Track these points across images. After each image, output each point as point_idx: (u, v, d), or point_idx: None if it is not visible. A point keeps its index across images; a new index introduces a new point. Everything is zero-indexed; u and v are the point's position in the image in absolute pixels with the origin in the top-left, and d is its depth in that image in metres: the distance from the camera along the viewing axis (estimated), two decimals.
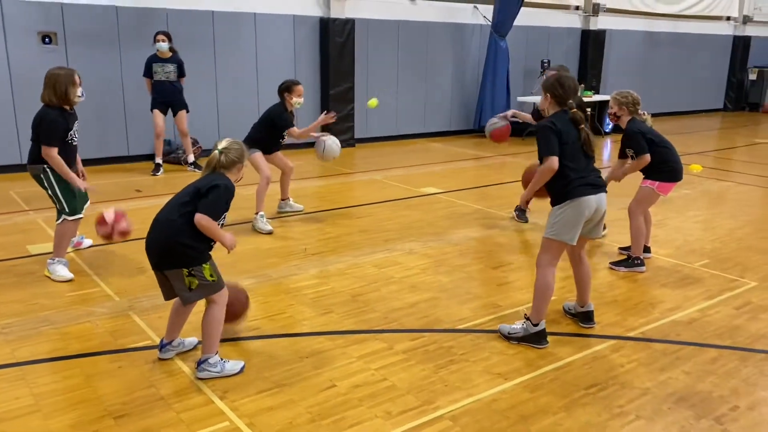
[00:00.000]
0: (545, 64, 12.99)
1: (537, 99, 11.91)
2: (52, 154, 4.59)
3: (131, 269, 5.07)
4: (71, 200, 4.77)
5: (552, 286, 3.80)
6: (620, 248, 5.60)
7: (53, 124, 4.59)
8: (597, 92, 13.99)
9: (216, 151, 3.41)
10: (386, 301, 4.54)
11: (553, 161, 3.68)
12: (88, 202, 5.07)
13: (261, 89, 10.16)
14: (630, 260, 5.22)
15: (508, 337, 3.92)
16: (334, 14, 10.67)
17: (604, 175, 4.08)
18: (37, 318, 4.17)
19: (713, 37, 17.35)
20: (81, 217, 4.91)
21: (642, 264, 5.20)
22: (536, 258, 3.89)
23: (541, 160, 3.75)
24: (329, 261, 5.37)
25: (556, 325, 4.17)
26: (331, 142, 6.43)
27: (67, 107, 4.71)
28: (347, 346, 3.86)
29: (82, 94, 4.77)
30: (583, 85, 13.74)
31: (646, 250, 5.47)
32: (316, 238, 6.02)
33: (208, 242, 3.38)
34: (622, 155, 5.25)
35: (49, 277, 4.80)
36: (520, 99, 12.97)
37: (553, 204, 3.80)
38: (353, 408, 3.20)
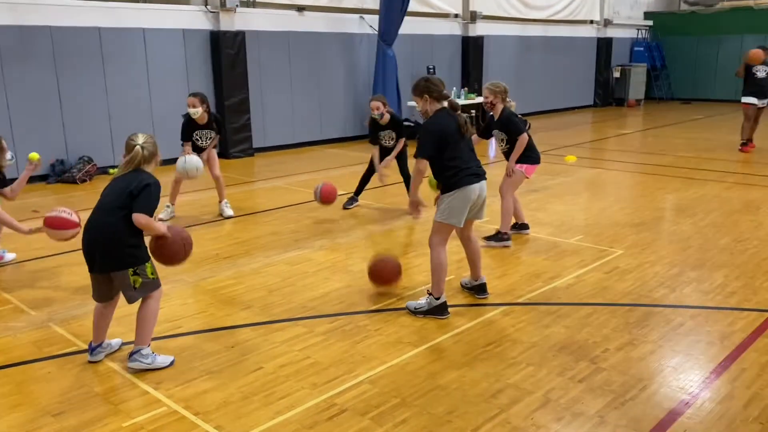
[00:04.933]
0: (431, 70, 13.74)
1: None
2: None
3: (42, 283, 5.10)
4: None
5: (445, 262, 4.30)
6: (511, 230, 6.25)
7: None
8: (479, 94, 14.92)
9: (138, 147, 3.60)
10: (302, 293, 4.88)
11: (423, 164, 4.20)
12: None
13: (154, 104, 10.17)
14: (499, 235, 5.87)
15: (414, 312, 4.38)
16: (224, 27, 10.85)
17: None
18: None
19: (580, 40, 18.91)
20: None
21: (509, 239, 5.88)
22: (428, 240, 4.37)
23: (416, 156, 4.22)
24: (242, 263, 5.62)
25: (455, 298, 4.67)
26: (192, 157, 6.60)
27: None
28: (270, 333, 4.17)
29: (12, 158, 4.85)
30: (466, 89, 14.65)
31: (524, 226, 6.19)
32: (226, 243, 6.25)
33: (143, 240, 3.58)
34: (487, 137, 5.92)
35: None
36: (410, 104, 13.61)
37: (442, 192, 4.29)
38: (281, 383, 3.53)
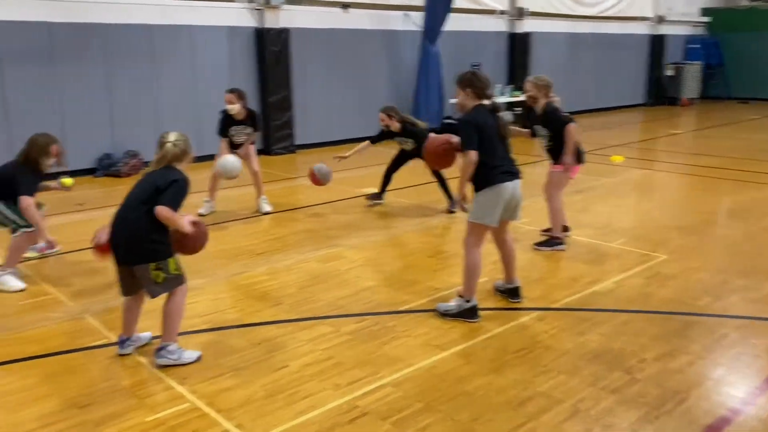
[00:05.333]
0: (475, 67, 13.54)
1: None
2: (29, 205, 4.81)
3: (82, 275, 5.21)
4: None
5: (479, 264, 4.19)
6: (542, 230, 6.07)
7: (26, 181, 4.82)
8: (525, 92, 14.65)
9: (169, 144, 3.63)
10: (332, 291, 4.84)
11: (473, 155, 4.07)
12: (43, 208, 5.23)
13: (200, 100, 10.30)
14: (551, 240, 5.69)
15: (444, 314, 4.29)
16: (268, 24, 10.92)
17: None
18: None
19: (631, 37, 18.38)
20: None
21: (562, 243, 5.68)
22: (462, 240, 4.27)
23: (463, 150, 4.12)
24: (276, 259, 5.62)
25: (488, 301, 4.55)
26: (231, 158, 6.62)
27: (40, 170, 4.93)
28: (297, 332, 4.14)
29: (53, 165, 4.99)
30: (511, 86, 14.41)
31: (564, 229, 5.95)
32: (262, 239, 6.27)
33: (167, 235, 3.60)
34: (533, 134, 5.71)
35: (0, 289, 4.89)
36: (453, 101, 13.47)
37: (476, 190, 4.18)
38: (305, 383, 3.49)
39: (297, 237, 6.32)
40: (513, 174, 4.19)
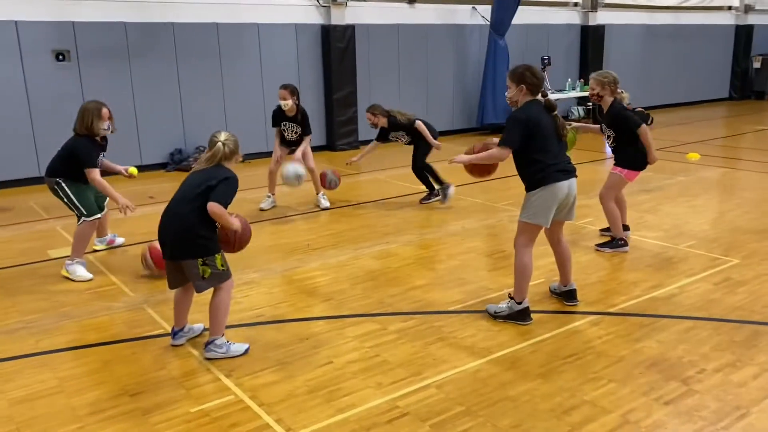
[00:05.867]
0: (545, 61, 13.22)
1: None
2: (96, 176, 5.01)
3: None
4: (87, 204, 5.13)
5: (530, 265, 4.07)
6: (601, 230, 5.84)
7: (86, 149, 5.01)
8: None
9: (219, 143, 3.71)
10: (383, 289, 4.82)
11: (506, 153, 3.96)
12: (105, 205, 5.44)
13: (267, 97, 10.49)
14: (614, 241, 5.46)
15: (494, 316, 4.19)
16: (334, 21, 11.01)
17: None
18: (57, 314, 4.50)
19: (715, 27, 17.46)
20: (99, 218, 5.26)
21: (625, 244, 5.44)
22: (513, 240, 4.16)
23: (500, 145, 4.00)
24: (331, 255, 5.66)
25: (542, 304, 4.42)
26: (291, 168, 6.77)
27: (96, 137, 5.08)
28: (344, 328, 4.15)
29: (108, 128, 5.13)
30: (582, 81, 13.97)
31: (624, 228, 5.65)
32: (319, 234, 6.33)
33: (215, 232, 3.68)
34: (597, 131, 5.51)
35: (68, 278, 5.14)
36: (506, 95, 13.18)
37: (527, 189, 4.05)
38: (347, 380, 3.49)
39: (354, 233, 6.34)
40: (569, 172, 4.03)
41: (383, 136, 7.48)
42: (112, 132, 5.22)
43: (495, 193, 7.76)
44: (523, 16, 12.92)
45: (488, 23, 12.61)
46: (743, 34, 17.97)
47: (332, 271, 5.23)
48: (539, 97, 4.02)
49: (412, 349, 3.83)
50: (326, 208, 7.24)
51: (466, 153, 4.31)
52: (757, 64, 18.27)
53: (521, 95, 4.02)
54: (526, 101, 4.01)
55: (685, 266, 5.12)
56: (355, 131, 11.54)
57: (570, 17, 14.60)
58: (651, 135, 5.29)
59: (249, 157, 9.82)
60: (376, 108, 7.28)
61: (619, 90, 5.33)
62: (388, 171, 9.49)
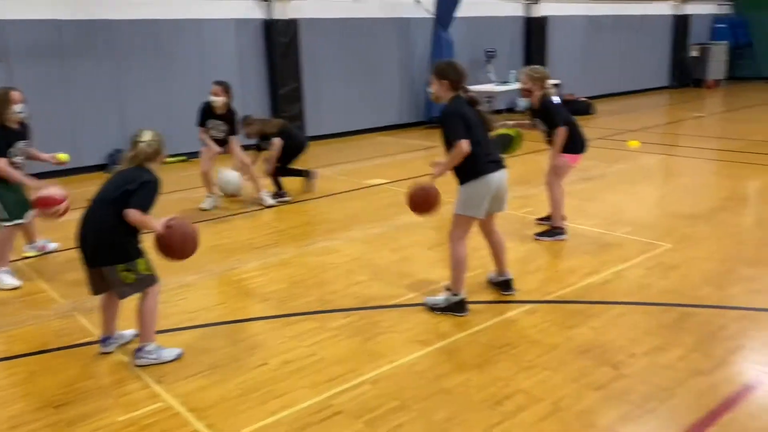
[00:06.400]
0: (490, 53, 13.32)
1: (481, 87, 12.25)
2: (2, 164, 4.73)
3: (78, 272, 5.21)
4: (8, 207, 4.91)
5: (464, 257, 4.08)
6: (537, 220, 5.91)
7: None
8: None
9: (142, 143, 3.58)
10: (323, 286, 4.78)
11: (465, 144, 3.93)
12: (29, 210, 5.21)
13: (208, 95, 10.28)
14: (552, 230, 5.53)
15: (432, 308, 4.19)
16: (276, 16, 10.86)
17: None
18: None
19: (654, 18, 17.88)
20: (21, 223, 5.05)
21: (563, 233, 5.52)
22: (448, 233, 4.16)
23: (451, 144, 3.98)
24: (272, 253, 5.58)
25: (480, 294, 4.45)
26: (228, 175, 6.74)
27: (9, 125, 4.84)
28: (281, 328, 4.09)
29: (22, 111, 4.89)
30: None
31: (562, 217, 5.71)
32: (261, 233, 6.23)
33: (137, 236, 3.56)
34: (530, 127, 5.55)
35: None
36: (428, 90, 13.26)
37: (461, 182, 4.06)
38: (281, 381, 3.44)
39: (296, 231, 6.27)
40: (499, 164, 4.06)
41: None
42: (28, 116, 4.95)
43: (439, 187, 7.77)
44: (467, 9, 12.97)
45: (432, 16, 12.63)
46: (681, 24, 18.46)
47: (272, 271, 5.16)
48: (461, 93, 4.02)
49: (350, 345, 3.81)
50: (271, 206, 7.14)
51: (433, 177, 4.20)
52: (694, 53, 18.81)
53: (443, 90, 4.02)
54: (450, 96, 4.01)
55: (620, 252, 5.22)
56: (302, 127, 11.40)
57: (514, 9, 14.73)
58: (564, 138, 5.34)
59: (190, 156, 9.62)
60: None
61: (547, 86, 5.42)
62: (333, 167, 9.42)
